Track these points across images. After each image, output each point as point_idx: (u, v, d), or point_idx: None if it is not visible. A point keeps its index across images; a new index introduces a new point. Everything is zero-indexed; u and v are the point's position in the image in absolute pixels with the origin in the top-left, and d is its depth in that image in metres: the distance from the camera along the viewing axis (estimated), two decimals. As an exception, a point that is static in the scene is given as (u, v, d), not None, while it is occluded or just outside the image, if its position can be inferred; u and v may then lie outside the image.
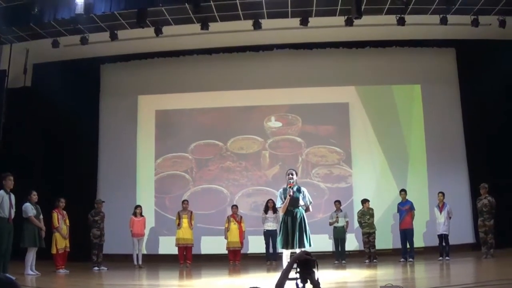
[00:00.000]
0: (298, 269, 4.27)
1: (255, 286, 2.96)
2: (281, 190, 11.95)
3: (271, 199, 17.90)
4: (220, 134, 20.81)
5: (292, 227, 11.52)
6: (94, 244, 16.88)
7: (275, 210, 17.38)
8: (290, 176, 11.74)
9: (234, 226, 18.47)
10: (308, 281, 4.23)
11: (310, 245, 11.42)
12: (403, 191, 17.81)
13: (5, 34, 18.14)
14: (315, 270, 4.25)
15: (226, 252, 18.53)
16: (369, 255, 17.37)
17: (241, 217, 18.79)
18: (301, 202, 11.71)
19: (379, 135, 20.20)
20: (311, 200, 12.00)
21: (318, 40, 19.81)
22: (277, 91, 20.58)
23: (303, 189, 11.97)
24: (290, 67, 20.53)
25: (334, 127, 20.54)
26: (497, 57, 18.72)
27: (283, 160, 20.28)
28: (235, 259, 18.32)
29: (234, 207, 18.95)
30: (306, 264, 4.25)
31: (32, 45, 19.35)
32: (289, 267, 4.33)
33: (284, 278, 4.30)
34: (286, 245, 11.55)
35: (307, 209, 11.86)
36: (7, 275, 10.65)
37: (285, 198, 11.61)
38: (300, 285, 4.23)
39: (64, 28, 17.84)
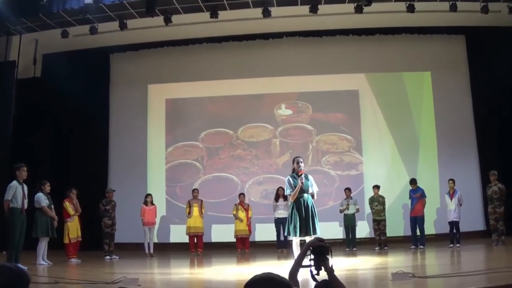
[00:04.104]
0: (312, 256, 4.25)
1: (268, 272, 2.96)
2: (289, 177, 11.97)
3: (281, 187, 17.79)
4: (231, 123, 20.82)
5: (306, 214, 11.56)
6: (105, 233, 16.94)
7: (285, 198, 17.31)
8: (300, 164, 11.78)
9: (242, 214, 18.55)
10: (322, 268, 4.22)
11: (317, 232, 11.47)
12: (412, 182, 17.79)
13: (14, 25, 18.18)
14: (329, 257, 4.24)
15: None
16: (380, 242, 17.37)
17: (248, 205, 18.89)
18: (310, 190, 11.75)
19: (390, 122, 20.15)
20: (317, 188, 12.05)
21: (327, 28, 19.76)
22: (287, 79, 20.55)
23: (310, 176, 12.03)
24: (299, 54, 20.47)
25: (344, 114, 20.49)
26: (507, 44, 18.62)
27: (294, 148, 20.24)
28: (244, 247, 18.41)
29: (242, 195, 19.03)
30: (320, 251, 4.23)
31: (41, 36, 19.37)
32: (303, 255, 4.32)
33: (297, 265, 4.29)
34: (299, 233, 11.58)
35: (312, 197, 11.89)
36: (19, 265, 10.69)
37: (294, 186, 11.64)
38: (314, 272, 4.22)
39: (73, 18, 17.83)
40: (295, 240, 11.71)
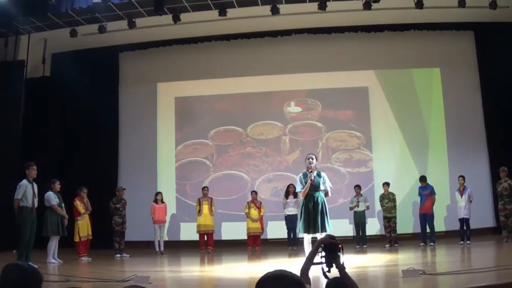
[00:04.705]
0: (323, 254, 4.26)
1: (280, 269, 2.97)
2: (301, 174, 12.01)
3: (292, 184, 17.80)
4: (240, 120, 20.83)
5: (315, 212, 11.57)
6: (116, 231, 16.97)
7: (296, 195, 17.27)
8: (310, 160, 11.80)
9: (254, 211, 18.55)
10: (334, 265, 4.22)
11: (329, 229, 11.47)
12: (422, 179, 17.79)
13: (23, 24, 18.26)
14: (340, 254, 4.25)
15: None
16: (390, 239, 17.36)
17: (260, 202, 18.86)
18: (321, 187, 11.75)
19: (399, 119, 20.10)
20: (330, 185, 12.08)
21: (336, 25, 19.71)
22: (296, 76, 20.51)
23: (323, 174, 12.04)
24: (308, 52, 20.43)
25: (354, 111, 20.46)
26: (515, 40, 18.62)
27: (303, 145, 20.25)
28: (255, 244, 18.41)
29: (254, 193, 19.04)
30: (331, 248, 4.24)
31: (50, 35, 19.43)
32: (314, 252, 4.32)
33: (309, 262, 4.30)
34: (307, 230, 11.60)
35: (326, 194, 11.91)
36: (30, 263, 10.74)
37: (305, 183, 11.66)
38: (326, 269, 4.22)
39: (82, 17, 17.88)
40: (306, 238, 11.73)
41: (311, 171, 11.67)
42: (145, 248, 18.63)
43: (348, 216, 18.44)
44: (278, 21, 18.71)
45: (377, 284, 9.82)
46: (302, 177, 11.89)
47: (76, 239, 15.81)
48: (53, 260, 14.39)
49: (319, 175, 11.87)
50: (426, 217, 17.22)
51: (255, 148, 20.60)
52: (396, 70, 20.47)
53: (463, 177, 17.20)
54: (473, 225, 17.11)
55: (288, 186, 18.30)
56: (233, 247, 18.63)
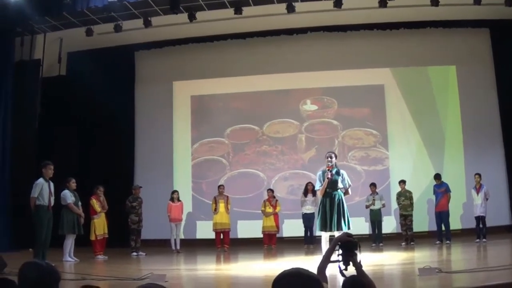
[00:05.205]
0: (340, 252, 4.26)
1: (296, 267, 2.97)
2: (320, 172, 11.99)
3: (310, 182, 17.80)
4: (256, 118, 20.81)
5: (331, 210, 11.54)
6: (132, 230, 16.97)
7: (314, 193, 17.25)
8: (329, 158, 11.76)
9: (270, 210, 18.52)
10: (351, 263, 4.22)
11: (348, 228, 11.45)
12: (437, 177, 17.73)
13: (38, 24, 18.35)
14: (357, 252, 4.25)
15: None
16: (406, 237, 17.29)
17: (276, 200, 18.81)
18: (340, 185, 11.72)
19: (415, 117, 20.03)
20: (350, 183, 12.02)
21: (352, 22, 19.67)
22: (312, 74, 20.46)
23: (342, 171, 11.99)
24: (324, 49, 20.43)
25: (370, 109, 20.42)
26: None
27: (319, 143, 20.21)
28: (271, 243, 18.36)
29: (270, 191, 18.96)
30: (348, 246, 4.25)
31: (66, 34, 19.50)
32: (331, 250, 4.32)
33: (326, 260, 4.30)
34: (324, 228, 11.58)
35: (346, 192, 11.88)
36: (48, 262, 10.77)
37: (324, 181, 11.62)
38: (342, 267, 4.23)
39: (98, 16, 17.96)
40: (324, 236, 11.71)
41: (329, 169, 11.65)
42: (161, 246, 18.65)
43: (364, 214, 18.39)
44: (293, 19, 18.66)
45: (394, 282, 9.81)
46: (321, 175, 11.87)
47: (92, 237, 15.86)
48: (69, 259, 14.43)
49: (338, 173, 11.84)
50: (442, 215, 17.16)
51: (271, 146, 20.60)
52: (412, 68, 20.39)
53: (479, 175, 17.15)
54: (489, 223, 17.07)
55: (307, 184, 18.28)
56: (249, 246, 18.63)
